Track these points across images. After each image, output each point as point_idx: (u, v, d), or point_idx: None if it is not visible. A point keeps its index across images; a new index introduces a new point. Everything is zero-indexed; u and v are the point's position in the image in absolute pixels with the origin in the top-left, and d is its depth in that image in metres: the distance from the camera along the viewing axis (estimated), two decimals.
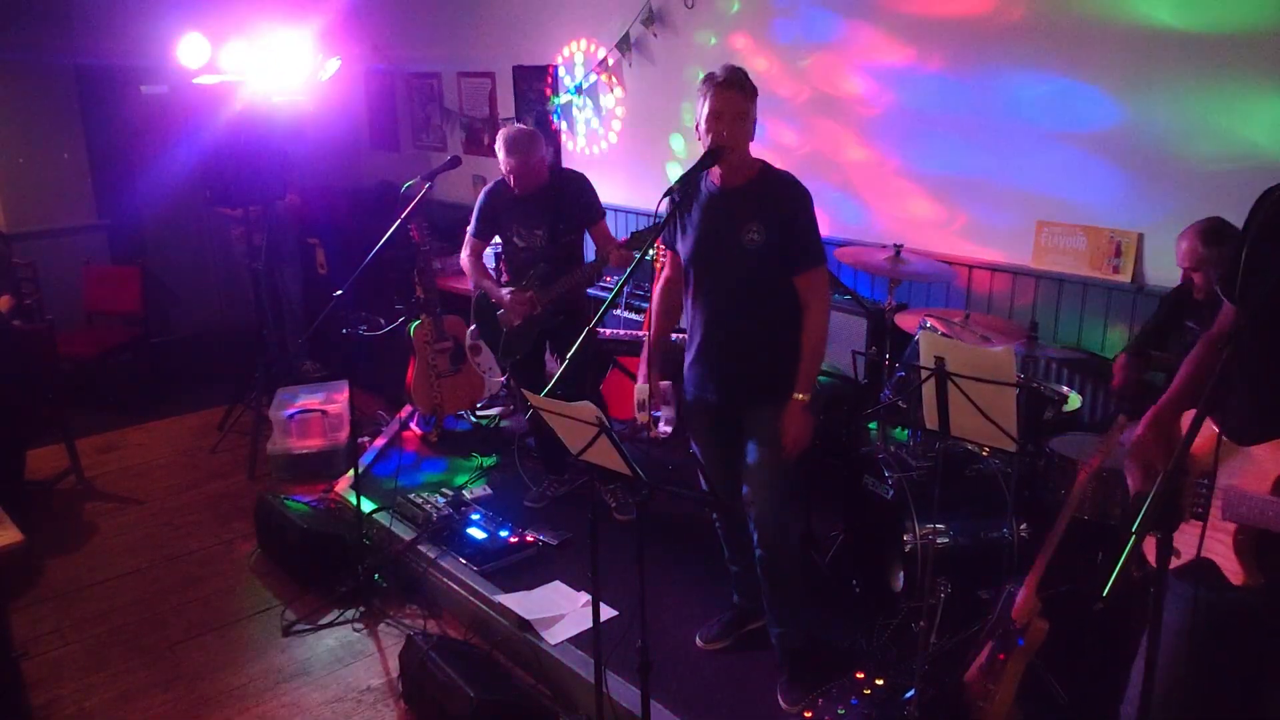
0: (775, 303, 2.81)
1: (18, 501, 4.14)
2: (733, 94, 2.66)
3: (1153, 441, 1.85)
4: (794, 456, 2.80)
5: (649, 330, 4.78)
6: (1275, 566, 1.68)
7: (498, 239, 4.18)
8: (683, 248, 2.91)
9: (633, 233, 3.82)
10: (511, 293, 3.99)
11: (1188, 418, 1.87)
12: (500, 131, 3.86)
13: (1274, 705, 1.76)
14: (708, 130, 2.69)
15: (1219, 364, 1.52)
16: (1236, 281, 1.76)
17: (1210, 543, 1.72)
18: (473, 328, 4.29)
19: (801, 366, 2.78)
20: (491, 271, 4.32)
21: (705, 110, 2.70)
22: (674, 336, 3.11)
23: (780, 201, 2.75)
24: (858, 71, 4.37)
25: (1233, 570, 1.71)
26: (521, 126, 3.91)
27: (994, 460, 3.29)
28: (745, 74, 2.73)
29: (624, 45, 5.32)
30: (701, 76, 2.75)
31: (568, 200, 3.95)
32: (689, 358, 3.01)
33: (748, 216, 2.74)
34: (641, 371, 3.20)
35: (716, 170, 2.79)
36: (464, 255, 4.12)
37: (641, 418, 3.22)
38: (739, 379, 2.89)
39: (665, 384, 3.19)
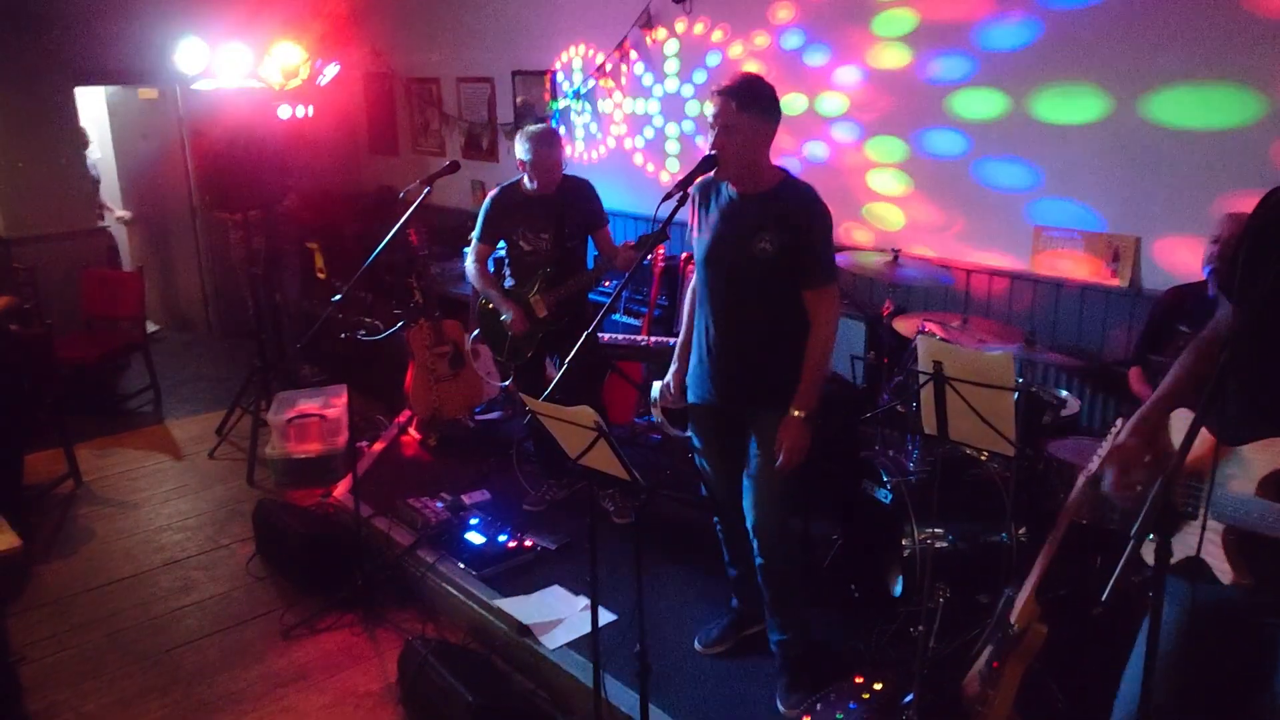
0: (783, 313, 2.79)
1: (15, 506, 4.14)
2: (725, 102, 2.64)
3: (1136, 447, 1.85)
4: (788, 471, 2.79)
5: (645, 334, 4.79)
6: (1263, 566, 1.69)
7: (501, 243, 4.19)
8: (696, 248, 2.91)
9: (640, 236, 3.84)
10: (515, 298, 4.00)
11: (1175, 417, 1.88)
12: (521, 130, 3.92)
13: (1265, 704, 1.76)
14: (709, 136, 2.70)
15: (1216, 368, 1.53)
16: (1235, 281, 1.76)
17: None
18: (475, 332, 4.30)
19: (802, 382, 2.76)
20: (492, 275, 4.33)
21: (709, 114, 2.71)
22: None
23: (795, 215, 2.72)
24: (855, 75, 4.38)
25: (1222, 570, 1.72)
26: (542, 125, 4.01)
27: (992, 464, 3.29)
28: (752, 84, 2.67)
29: (622, 50, 5.33)
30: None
31: (574, 205, 3.98)
32: (694, 359, 3.00)
33: (761, 226, 2.72)
34: (672, 368, 3.17)
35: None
36: (469, 261, 4.14)
37: (657, 413, 3.20)
38: (742, 384, 2.88)
39: None
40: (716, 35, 4.89)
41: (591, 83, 5.61)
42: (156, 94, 6.81)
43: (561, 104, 5.85)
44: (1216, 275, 3.02)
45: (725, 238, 2.80)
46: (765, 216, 2.73)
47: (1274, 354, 1.69)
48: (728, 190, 2.82)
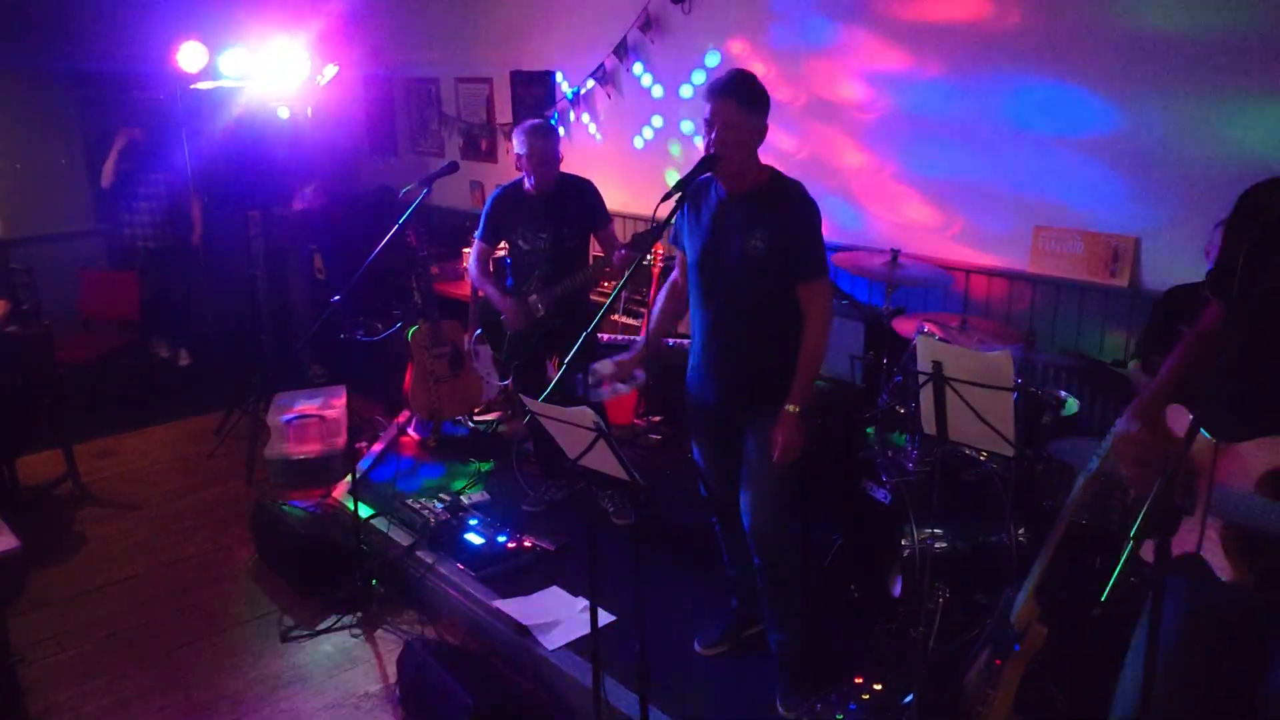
0: (777, 311, 2.79)
1: (14, 507, 4.14)
2: (725, 102, 2.64)
3: (1144, 433, 1.85)
4: (783, 466, 2.79)
5: (644, 334, 4.79)
6: (1263, 563, 1.69)
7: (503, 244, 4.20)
8: (689, 252, 2.91)
9: (634, 235, 3.84)
10: (514, 297, 4.01)
11: (1171, 412, 1.88)
12: (517, 126, 3.93)
13: (1265, 701, 1.76)
14: (705, 136, 2.69)
15: (1213, 370, 1.52)
16: (1229, 281, 1.76)
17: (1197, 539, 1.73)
18: (478, 332, 4.30)
19: (796, 377, 2.76)
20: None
21: (704, 115, 2.70)
22: (669, 341, 3.03)
23: (784, 211, 2.73)
24: (854, 76, 4.38)
25: (1221, 567, 1.72)
26: (538, 119, 4.03)
27: (992, 465, 3.29)
28: (747, 81, 2.68)
29: (621, 51, 5.33)
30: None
31: (573, 205, 3.98)
32: (691, 360, 3.00)
33: (752, 224, 2.73)
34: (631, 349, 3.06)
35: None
36: (470, 260, 4.17)
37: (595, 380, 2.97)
38: (738, 384, 2.88)
39: (641, 375, 2.98)
40: (715, 35, 4.89)
41: (590, 83, 5.61)
42: None
43: (560, 104, 5.84)
44: (1208, 277, 3.02)
45: (718, 239, 2.80)
46: (755, 215, 2.73)
47: (1271, 355, 1.69)
48: (716, 191, 2.82)
